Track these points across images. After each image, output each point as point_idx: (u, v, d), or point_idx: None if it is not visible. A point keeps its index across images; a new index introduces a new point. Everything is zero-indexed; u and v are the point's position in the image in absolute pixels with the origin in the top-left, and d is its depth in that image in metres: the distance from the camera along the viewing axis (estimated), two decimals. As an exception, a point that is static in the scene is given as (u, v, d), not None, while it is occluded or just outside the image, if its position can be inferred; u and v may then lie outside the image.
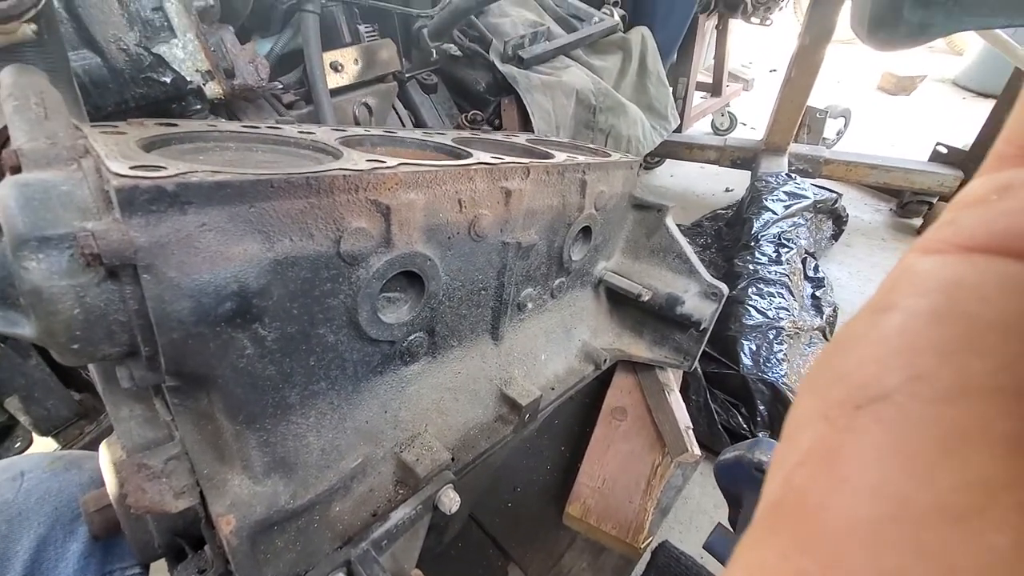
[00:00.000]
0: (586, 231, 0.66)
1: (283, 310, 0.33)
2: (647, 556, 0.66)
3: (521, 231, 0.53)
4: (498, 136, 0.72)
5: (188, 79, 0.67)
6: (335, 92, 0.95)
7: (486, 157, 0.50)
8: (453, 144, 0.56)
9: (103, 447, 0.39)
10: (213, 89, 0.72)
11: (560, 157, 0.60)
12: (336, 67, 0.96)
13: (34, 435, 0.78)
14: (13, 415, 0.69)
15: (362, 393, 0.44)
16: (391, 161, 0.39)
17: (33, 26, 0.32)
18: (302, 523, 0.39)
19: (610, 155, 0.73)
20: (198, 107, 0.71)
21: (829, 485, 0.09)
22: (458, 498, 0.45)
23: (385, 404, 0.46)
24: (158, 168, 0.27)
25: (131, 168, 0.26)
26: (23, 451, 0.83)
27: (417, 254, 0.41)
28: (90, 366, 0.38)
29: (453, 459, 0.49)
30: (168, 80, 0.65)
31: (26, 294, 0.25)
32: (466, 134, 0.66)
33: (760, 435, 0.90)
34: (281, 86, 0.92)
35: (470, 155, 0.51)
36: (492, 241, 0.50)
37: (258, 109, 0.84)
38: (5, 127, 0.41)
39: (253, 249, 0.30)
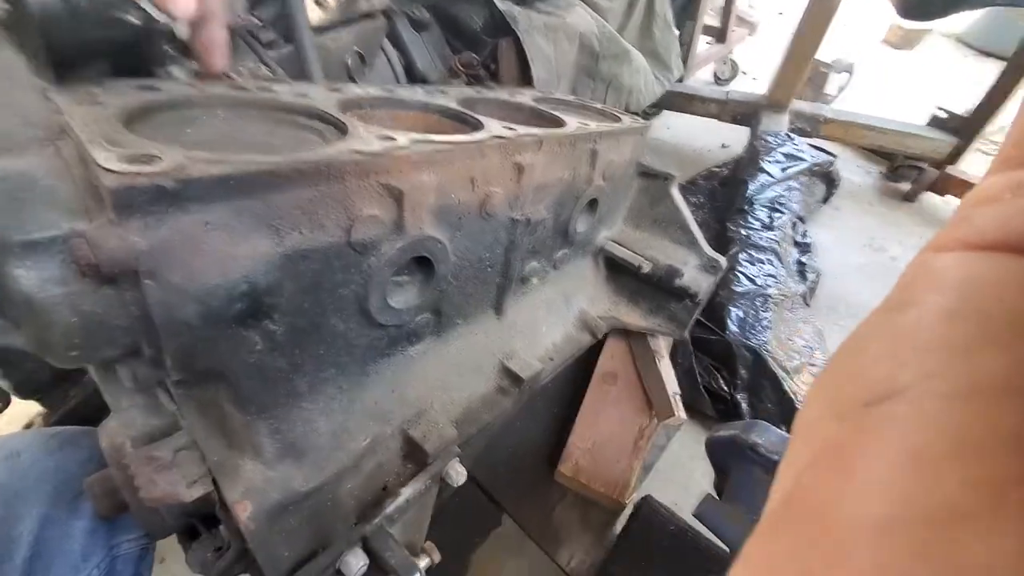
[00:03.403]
0: (592, 203, 0.64)
1: (293, 304, 0.32)
2: (630, 508, 0.72)
3: (531, 207, 0.51)
4: (503, 95, 0.67)
5: (156, 18, 0.59)
6: (318, 31, 0.85)
7: (497, 127, 0.46)
8: (459, 109, 0.52)
9: (101, 432, 0.38)
10: (184, 29, 0.63)
11: (571, 124, 0.57)
12: (319, 2, 0.85)
13: (13, 397, 0.76)
14: (-9, 377, 0.67)
15: (370, 375, 0.44)
16: (402, 139, 0.36)
17: (4, 4, 0.27)
18: (315, 503, 0.40)
19: (620, 118, 0.70)
20: (168, 49, 0.63)
21: (838, 483, 0.09)
22: (464, 471, 0.47)
23: (392, 384, 0.46)
24: (152, 159, 0.24)
25: (121, 160, 0.23)
26: (1, 411, 0.81)
27: (428, 238, 0.39)
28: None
29: (458, 433, 0.50)
30: (135, 20, 0.56)
31: (16, 305, 0.23)
32: (470, 93, 0.61)
33: (739, 396, 0.95)
34: (258, 21, 0.82)
35: (480, 124, 0.47)
36: (502, 218, 0.48)
37: (234, 49, 0.75)
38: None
39: (262, 246, 0.28)
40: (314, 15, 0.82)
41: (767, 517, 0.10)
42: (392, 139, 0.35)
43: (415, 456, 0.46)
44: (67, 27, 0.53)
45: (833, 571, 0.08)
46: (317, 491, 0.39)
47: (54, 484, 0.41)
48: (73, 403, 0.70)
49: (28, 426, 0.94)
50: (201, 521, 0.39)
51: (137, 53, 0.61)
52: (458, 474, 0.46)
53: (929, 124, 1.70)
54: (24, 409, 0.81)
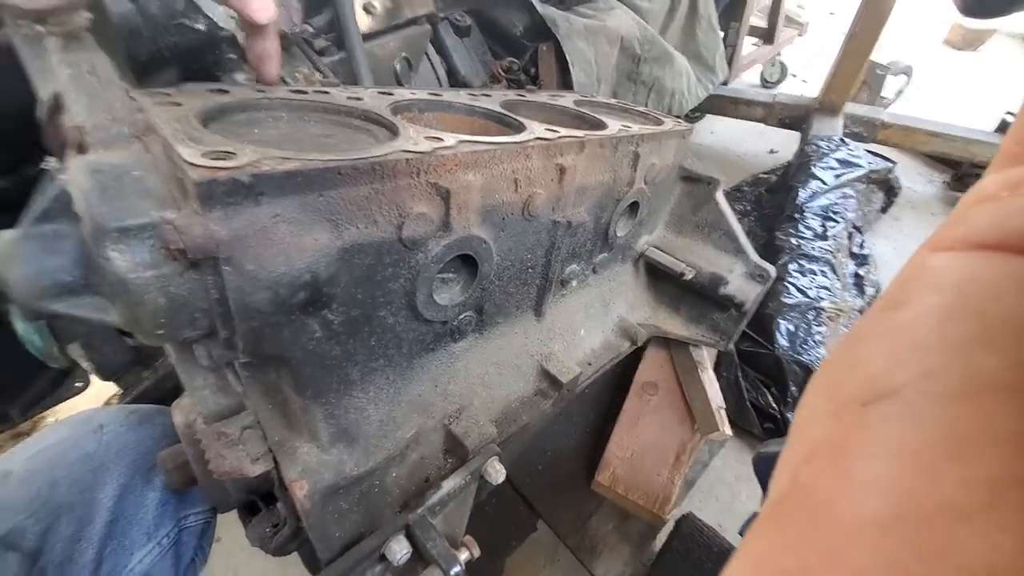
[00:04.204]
0: (633, 206, 0.63)
1: (349, 295, 0.34)
2: (671, 524, 0.69)
3: (571, 208, 0.51)
4: (544, 97, 0.68)
5: (221, 25, 0.64)
6: (366, 37, 0.89)
7: (540, 130, 0.47)
8: (503, 112, 0.53)
9: (175, 409, 0.41)
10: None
11: (613, 126, 0.57)
12: (368, 9, 0.90)
13: (93, 377, 0.83)
14: (75, 360, 0.74)
15: (415, 369, 0.45)
16: (449, 139, 0.37)
17: (88, 14, 0.31)
18: (364, 487, 0.41)
19: (662, 121, 0.69)
20: (231, 56, 0.68)
21: (835, 481, 0.09)
22: (503, 469, 0.47)
23: (436, 378, 0.47)
24: (229, 155, 0.26)
25: (204, 156, 0.25)
26: (83, 390, 0.89)
27: (473, 237, 0.40)
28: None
29: (498, 432, 0.51)
30: (202, 27, 0.62)
31: (111, 285, 0.25)
32: (512, 96, 0.62)
33: (790, 415, 0.90)
34: (312, 29, 0.87)
35: (523, 127, 0.48)
36: (543, 220, 0.49)
37: (290, 56, 0.80)
38: (56, 94, 0.40)
39: (323, 239, 0.30)
40: (363, 22, 0.86)
41: (765, 512, 0.10)
42: (439, 140, 0.37)
43: (456, 451, 0.47)
44: (142, 34, 0.58)
45: (830, 566, 0.08)
46: (366, 476, 0.41)
47: (133, 457, 0.45)
48: (146, 385, 0.76)
49: (107, 404, 1.02)
50: (261, 498, 0.41)
51: (203, 58, 0.67)
52: (497, 472, 0.47)
53: (997, 130, 1.58)
54: (100, 389, 0.89)
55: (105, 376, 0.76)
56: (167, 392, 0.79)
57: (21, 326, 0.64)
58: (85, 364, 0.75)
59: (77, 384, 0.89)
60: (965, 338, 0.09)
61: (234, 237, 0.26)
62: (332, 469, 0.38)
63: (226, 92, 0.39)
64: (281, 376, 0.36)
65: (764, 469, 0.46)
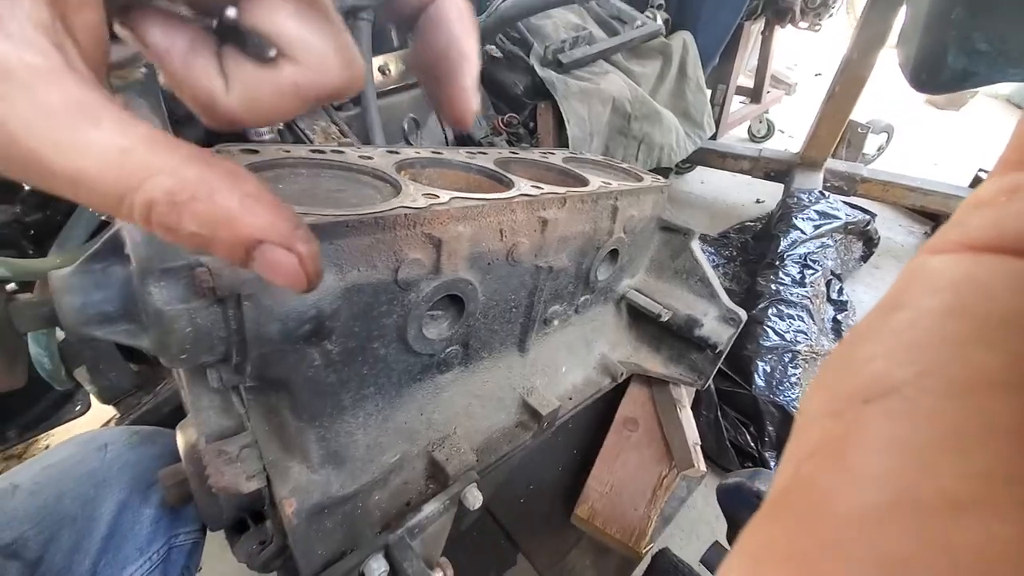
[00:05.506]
0: (613, 253, 0.69)
1: (347, 328, 0.38)
2: (648, 560, 0.71)
3: (553, 255, 0.57)
4: (536, 155, 0.75)
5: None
6: (381, 95, 0.99)
7: (526, 186, 0.53)
8: (495, 168, 0.59)
9: (179, 430, 0.45)
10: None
11: (595, 183, 0.63)
12: (384, 71, 1.00)
13: (94, 401, 0.87)
14: (80, 383, 0.77)
15: (403, 397, 0.49)
16: (444, 195, 0.43)
17: (144, 68, 0.37)
18: (348, 508, 0.44)
19: (642, 178, 0.76)
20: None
21: (835, 474, 0.09)
22: (481, 496, 0.50)
23: (421, 407, 0.51)
24: (257, 210, 0.32)
25: (237, 211, 0.31)
26: (83, 413, 0.92)
27: (460, 279, 0.45)
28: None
29: (478, 460, 0.54)
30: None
31: (149, 315, 0.30)
32: (506, 154, 0.70)
33: (767, 455, 0.93)
34: (331, 87, 0.96)
35: (511, 183, 0.55)
36: (527, 265, 0.54)
37: (311, 112, 0.89)
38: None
39: (329, 280, 0.35)
40: (378, 81, 0.96)
41: (765, 506, 0.10)
42: (435, 196, 0.42)
43: (437, 476, 0.51)
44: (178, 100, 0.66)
45: (828, 553, 0.08)
46: (351, 497, 0.44)
47: (132, 474, 0.48)
48: (144, 409, 0.79)
49: (104, 426, 1.04)
50: (250, 516, 0.44)
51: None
52: (475, 498, 0.50)
53: (971, 186, 1.67)
54: (98, 414, 0.92)
55: (107, 400, 0.80)
56: (165, 416, 0.82)
57: (34, 349, 0.68)
58: (89, 387, 0.78)
59: (77, 407, 0.92)
60: (962, 337, 0.09)
61: (257, 277, 0.31)
62: (320, 489, 0.41)
63: (256, 152, 0.45)
64: (281, 399, 0.40)
65: (724, 500, 0.49)
